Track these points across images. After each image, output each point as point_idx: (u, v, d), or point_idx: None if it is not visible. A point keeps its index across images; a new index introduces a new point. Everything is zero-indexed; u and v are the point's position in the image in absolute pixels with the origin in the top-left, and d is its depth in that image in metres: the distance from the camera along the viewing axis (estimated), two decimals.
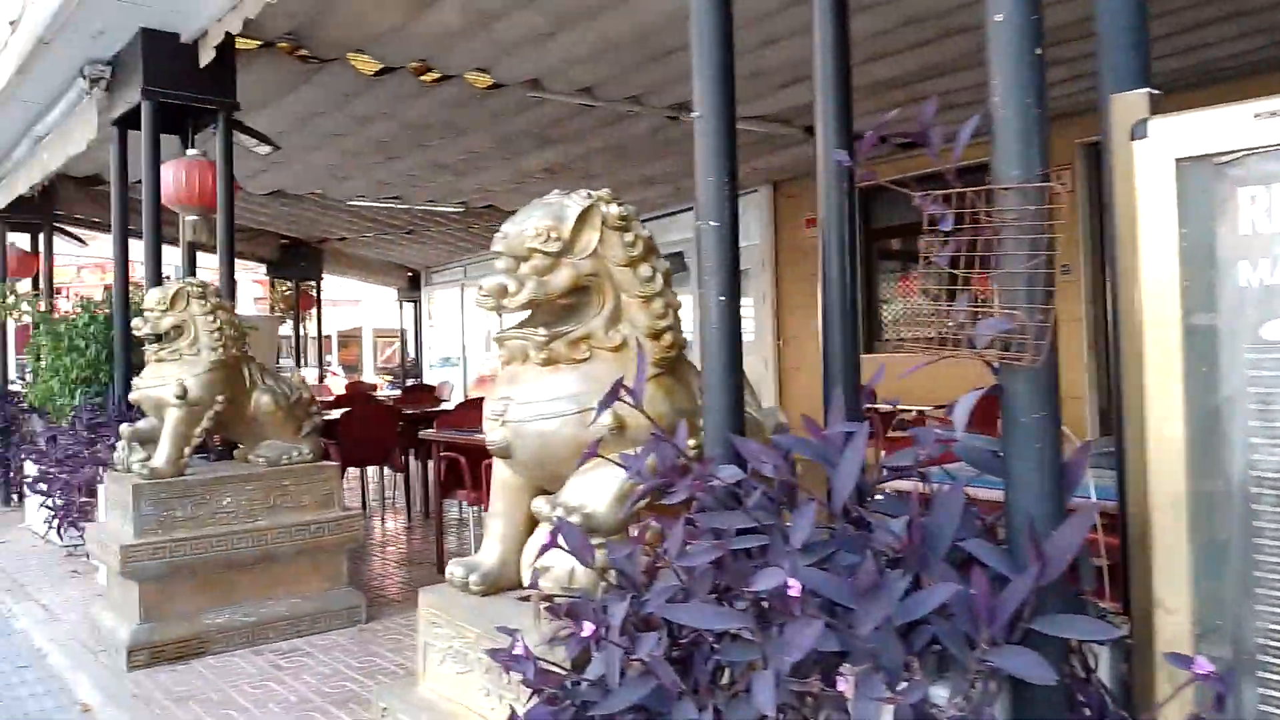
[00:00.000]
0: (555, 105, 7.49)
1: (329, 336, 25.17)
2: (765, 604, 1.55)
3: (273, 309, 14.62)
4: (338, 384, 17.16)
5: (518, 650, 1.88)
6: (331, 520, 4.82)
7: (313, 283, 14.56)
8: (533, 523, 2.42)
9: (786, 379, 11.48)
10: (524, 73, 6.60)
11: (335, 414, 7.31)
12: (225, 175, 5.39)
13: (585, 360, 2.29)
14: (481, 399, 9.28)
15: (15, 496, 8.82)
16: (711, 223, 2.09)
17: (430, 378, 17.36)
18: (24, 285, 9.70)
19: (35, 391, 6.03)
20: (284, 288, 14.65)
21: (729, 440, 2.00)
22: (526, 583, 2.15)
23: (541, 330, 2.26)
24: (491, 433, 2.35)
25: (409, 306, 18.41)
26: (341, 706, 3.82)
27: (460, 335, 17.47)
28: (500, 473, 2.52)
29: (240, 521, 4.62)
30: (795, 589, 1.34)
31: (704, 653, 1.67)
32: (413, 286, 18.13)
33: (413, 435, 7.77)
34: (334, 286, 19.79)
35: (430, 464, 8.38)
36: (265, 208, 11.72)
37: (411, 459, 8.05)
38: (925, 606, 1.44)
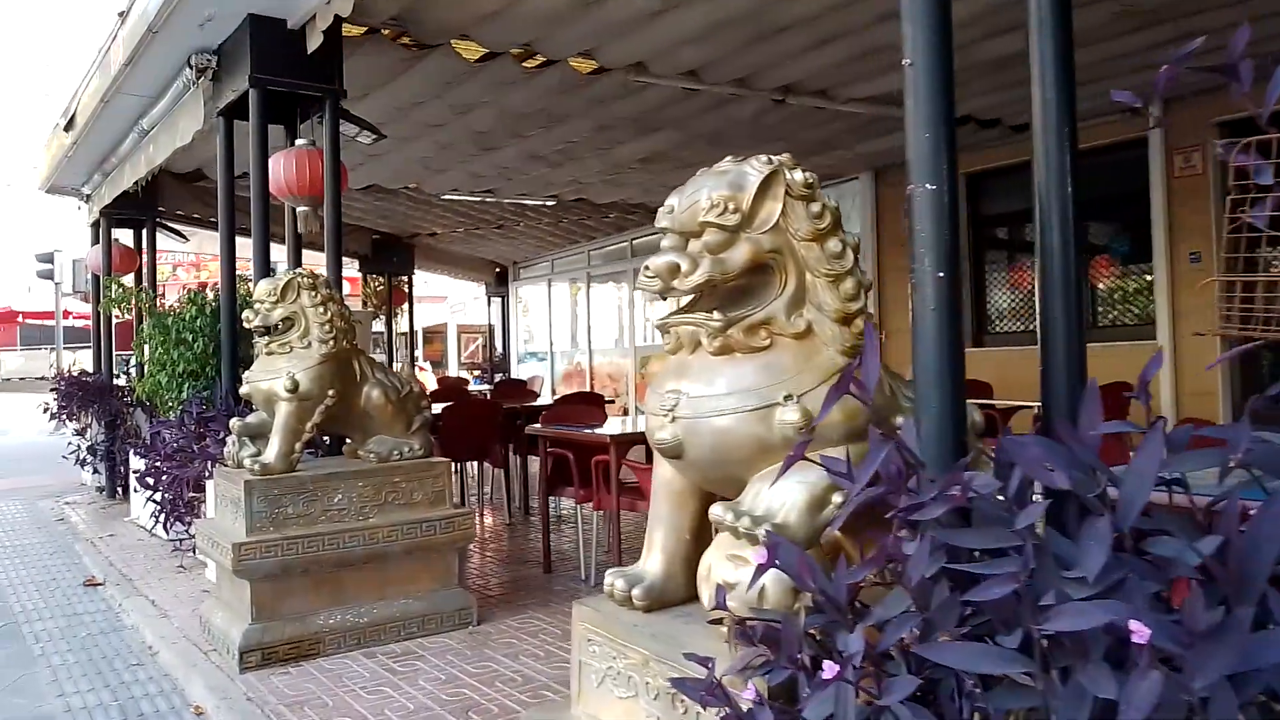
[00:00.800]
0: (658, 90, 7.24)
1: (416, 332, 25.38)
2: (1046, 642, 1.26)
3: (365, 304, 14.68)
4: (428, 379, 17.22)
5: (711, 681, 1.62)
6: (443, 518, 4.64)
7: (404, 278, 14.57)
8: (700, 530, 2.16)
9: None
10: (629, 55, 6.36)
11: (436, 409, 7.17)
12: (333, 164, 5.26)
13: (765, 348, 2.02)
14: (584, 394, 9.04)
15: (120, 490, 8.92)
16: (927, 185, 1.81)
17: (517, 373, 17.32)
18: (126, 281, 9.82)
19: (143, 386, 6.00)
20: (376, 283, 14.70)
21: (954, 441, 1.71)
22: (707, 601, 1.89)
23: (717, 315, 1.99)
24: (659, 430, 2.09)
25: (496, 301, 18.39)
26: (461, 716, 3.62)
27: (548, 330, 17.38)
28: (663, 474, 2.26)
29: (351, 519, 4.48)
30: (1141, 635, 1.05)
31: (950, 691, 1.39)
32: (500, 281, 18.11)
33: (511, 430, 7.61)
34: (419, 283, 19.92)
35: (529, 460, 8.23)
36: (359, 203, 11.72)
37: (510, 454, 7.88)
38: (1274, 652, 1.14)
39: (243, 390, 4.55)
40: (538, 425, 5.86)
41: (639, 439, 5.64)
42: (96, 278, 9.61)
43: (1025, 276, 10.29)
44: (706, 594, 1.89)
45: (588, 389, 15.89)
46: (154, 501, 6.17)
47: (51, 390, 8.94)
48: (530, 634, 4.58)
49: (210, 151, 8.45)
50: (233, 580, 4.39)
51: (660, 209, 2.14)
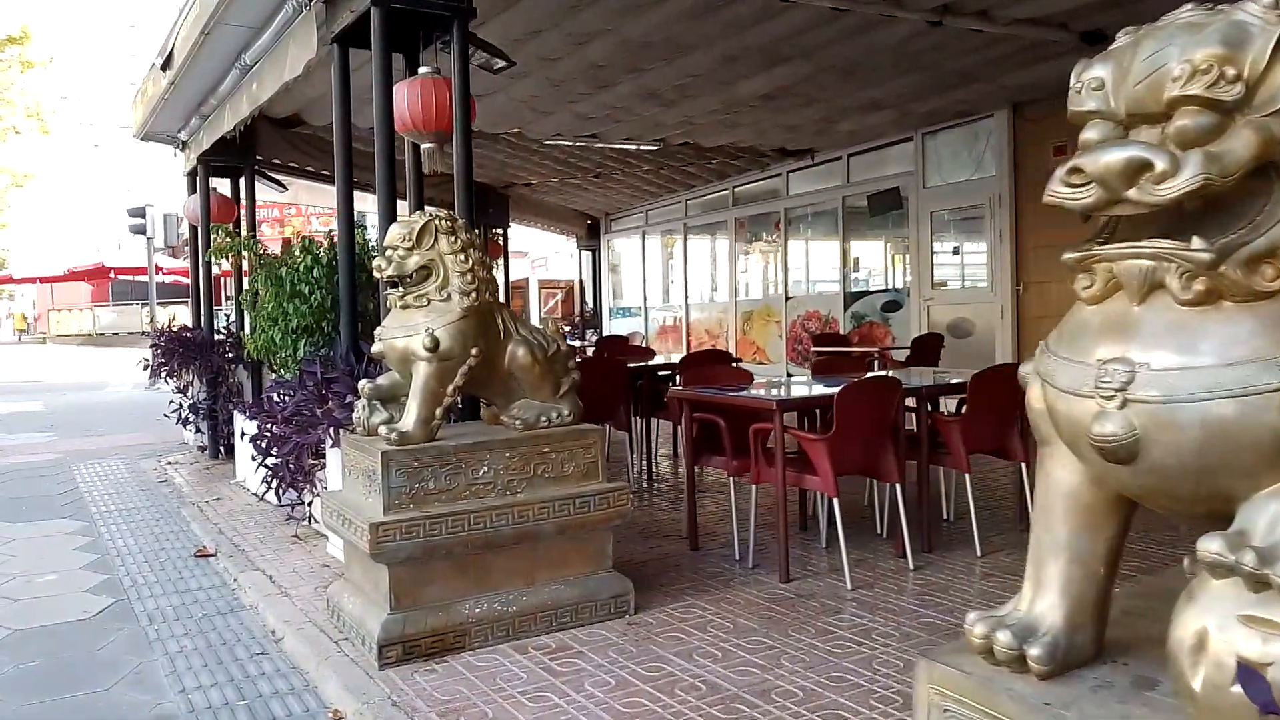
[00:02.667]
0: (801, 12, 6.51)
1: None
2: None
3: None
4: None
5: None
6: (596, 493, 4.08)
7: (499, 231, 14.04)
8: (1117, 561, 1.50)
9: (1028, 330, 10.20)
10: None
11: None
12: (462, 94, 4.66)
13: (1274, 294, 1.34)
14: (713, 352, 8.33)
15: (223, 449, 8.60)
16: None
17: (607, 329, 16.76)
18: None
19: (253, 342, 5.54)
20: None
21: None
22: (1200, 681, 1.24)
23: (1198, 242, 1.32)
24: (1101, 421, 1.42)
25: (586, 255, 17.82)
26: None
27: (641, 284, 16.76)
28: (1063, 480, 1.58)
29: (498, 495, 3.93)
30: None
31: None
32: (591, 234, 17.52)
33: (630, 392, 7.03)
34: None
35: (653, 424, 7.66)
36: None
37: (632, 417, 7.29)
38: None
39: (375, 348, 4.02)
40: (679, 387, 5.24)
41: (807, 405, 5.01)
42: (194, 228, 9.25)
43: None
44: (1200, 672, 1.23)
45: (684, 344, 15.27)
46: (266, 467, 5.74)
47: (152, 346, 8.63)
48: (696, 626, 4.01)
49: (310, 94, 7.98)
50: (366, 563, 3.88)
51: (1081, 81, 1.46)
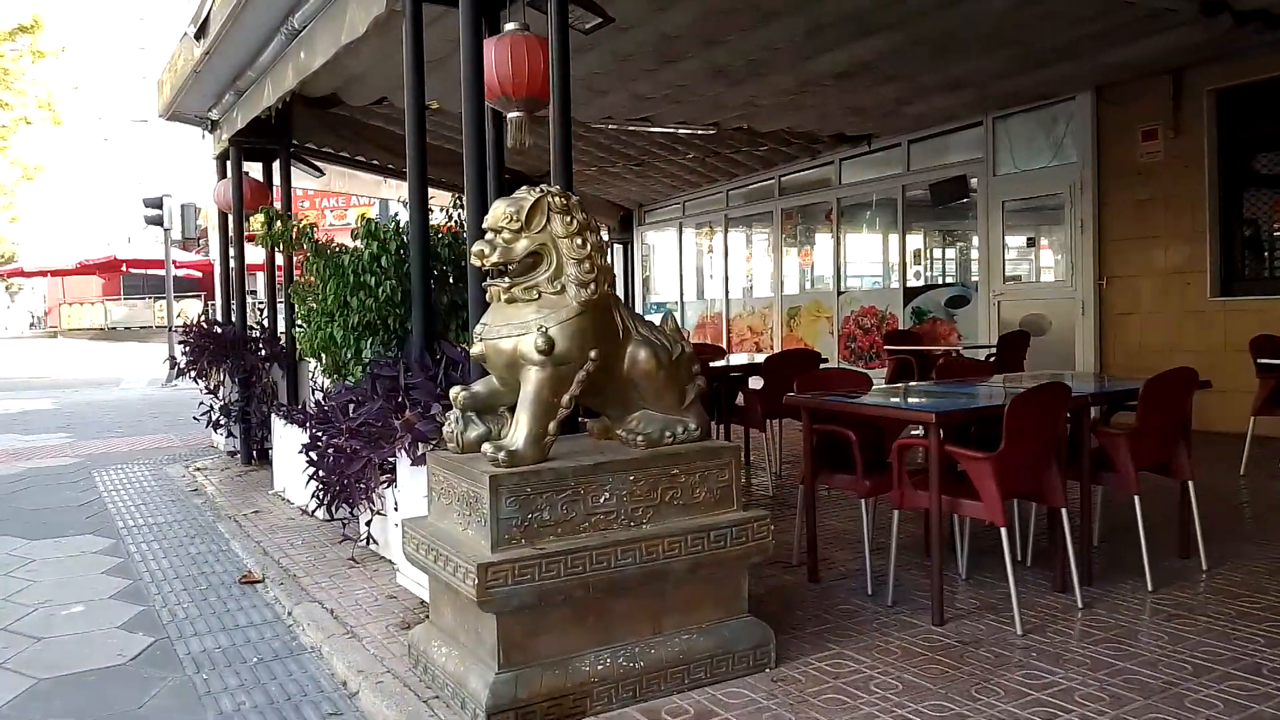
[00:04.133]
0: None
1: None
2: None
3: None
4: None
5: None
6: (733, 524, 3.41)
7: None
8: None
9: (1111, 327, 9.51)
10: None
11: None
12: (561, 53, 4.00)
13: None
14: (796, 352, 7.59)
15: (256, 454, 7.96)
16: None
17: None
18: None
19: (308, 341, 4.87)
20: None
21: None
22: None
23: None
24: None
25: (618, 249, 17.14)
26: None
27: (678, 277, 16.09)
28: None
29: (621, 527, 3.27)
30: None
31: None
32: (624, 227, 16.85)
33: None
34: None
35: (741, 432, 6.97)
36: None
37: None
38: None
39: (474, 350, 3.35)
40: (802, 395, 4.56)
41: (973, 417, 4.34)
42: (223, 216, 8.60)
43: None
44: None
45: (724, 342, 14.60)
46: (319, 480, 5.09)
47: (180, 342, 7.98)
48: (856, 685, 3.34)
49: (353, 68, 7.30)
50: (465, 607, 3.23)
51: None
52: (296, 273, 7.60)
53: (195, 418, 8.05)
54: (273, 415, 6.97)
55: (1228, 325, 8.60)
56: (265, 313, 8.27)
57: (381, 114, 9.26)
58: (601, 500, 3.24)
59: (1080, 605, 4.06)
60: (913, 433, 4.33)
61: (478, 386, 3.48)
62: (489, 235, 3.30)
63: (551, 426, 3.24)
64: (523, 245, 3.25)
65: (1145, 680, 3.31)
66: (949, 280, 11.62)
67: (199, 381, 8.04)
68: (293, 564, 5.09)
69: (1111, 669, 3.42)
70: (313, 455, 5.07)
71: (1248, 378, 7.03)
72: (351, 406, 4.18)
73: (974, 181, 10.78)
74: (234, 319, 8.19)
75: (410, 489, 4.15)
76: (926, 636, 3.79)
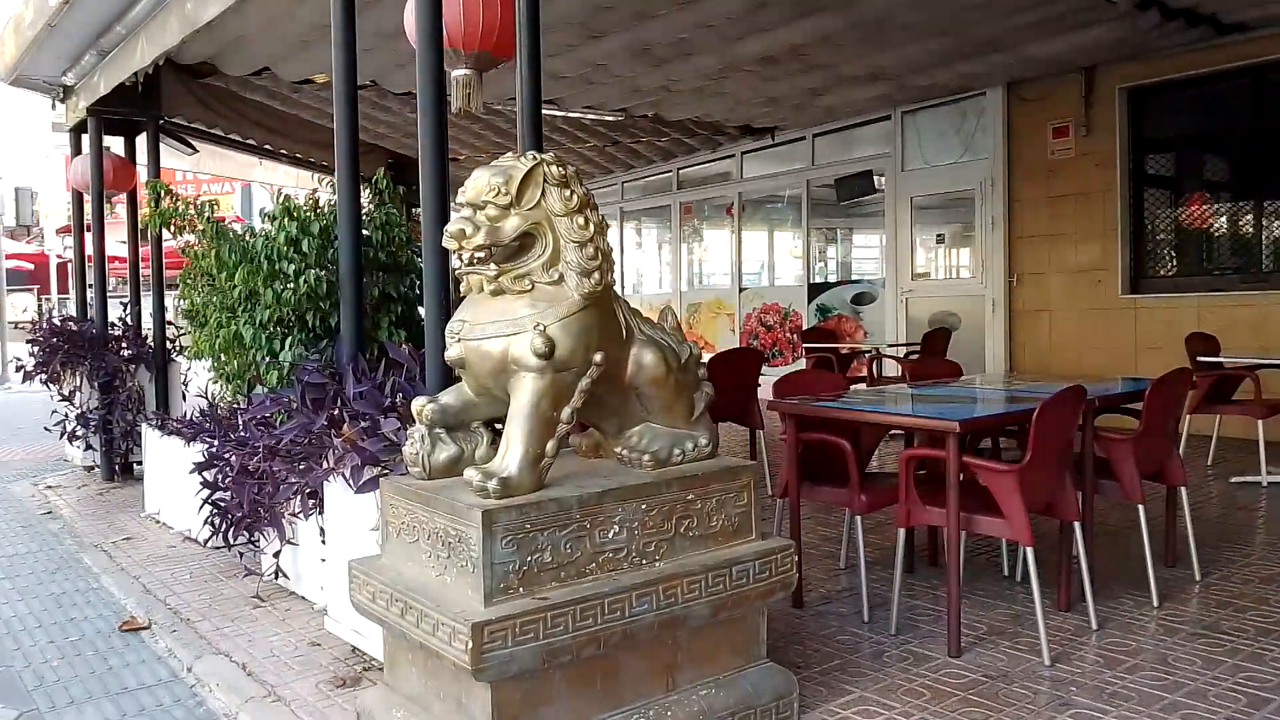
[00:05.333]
0: None
1: None
2: None
3: None
4: None
5: None
6: (756, 556, 2.90)
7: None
8: None
9: (1020, 324, 9.47)
10: None
11: None
12: (530, 4, 3.39)
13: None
14: (744, 351, 7.12)
15: (119, 469, 6.98)
16: None
17: None
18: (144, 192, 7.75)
19: (201, 340, 4.08)
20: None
21: None
22: None
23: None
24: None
25: None
26: None
27: None
28: None
29: (632, 566, 2.71)
30: None
31: None
32: None
33: None
34: None
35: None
36: (383, 115, 9.70)
37: None
38: None
39: (450, 353, 2.73)
40: (788, 400, 4.10)
41: (996, 425, 3.94)
42: (78, 196, 7.54)
43: (1198, 211, 8.74)
44: None
45: None
46: (216, 505, 4.32)
47: (28, 341, 6.91)
48: None
49: (235, 30, 6.44)
50: (439, 672, 2.61)
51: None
52: (169, 259, 6.69)
53: (47, 428, 7.00)
54: (143, 425, 6.06)
55: (1138, 323, 8.65)
56: (129, 308, 7.28)
57: (261, 87, 8.35)
58: (610, 535, 2.68)
59: (1094, 626, 3.74)
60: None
61: (447, 398, 2.85)
62: (466, 212, 2.69)
63: (550, 446, 2.65)
64: (513, 224, 2.65)
65: (1205, 717, 2.98)
66: (854, 277, 11.45)
67: (51, 386, 6.99)
68: (184, 604, 4.31)
69: (1163, 703, 3.07)
70: (207, 476, 4.31)
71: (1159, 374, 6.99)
72: (271, 420, 3.46)
73: (881, 178, 10.61)
74: (93, 315, 7.16)
75: (343, 520, 3.47)
76: (948, 671, 3.38)
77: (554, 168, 2.72)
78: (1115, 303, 8.79)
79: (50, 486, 6.98)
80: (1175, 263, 8.80)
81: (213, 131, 8.58)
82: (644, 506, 2.75)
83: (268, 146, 9.39)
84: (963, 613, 3.93)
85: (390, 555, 2.89)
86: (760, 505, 3.05)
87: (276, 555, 4.22)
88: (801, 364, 11.03)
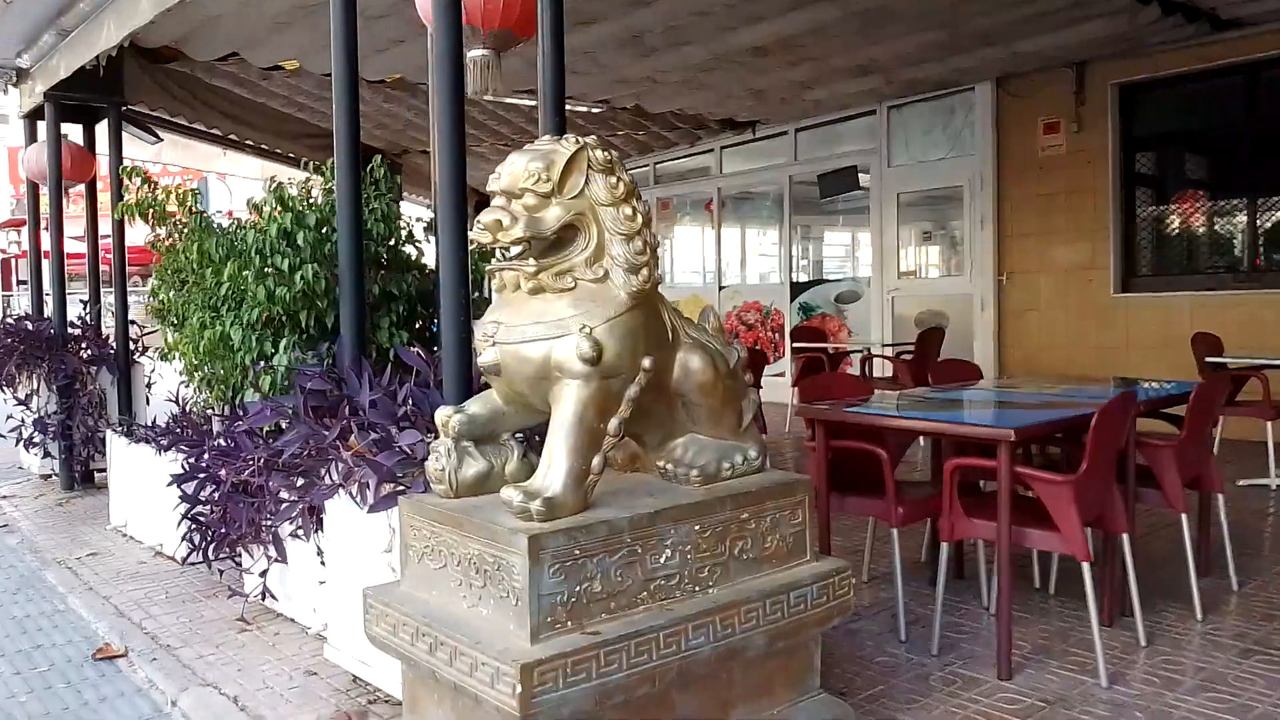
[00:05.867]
0: None
1: None
2: None
3: None
4: None
5: None
6: (814, 579, 2.66)
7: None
8: None
9: (1010, 323, 9.33)
10: None
11: None
12: None
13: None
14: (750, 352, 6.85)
15: (78, 477, 6.57)
16: None
17: None
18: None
19: (184, 343, 3.73)
20: None
21: None
22: None
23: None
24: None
25: None
26: None
27: None
28: None
29: (684, 594, 2.45)
30: None
31: None
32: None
33: None
34: None
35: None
36: (360, 104, 9.31)
37: None
38: None
39: (484, 358, 2.44)
40: (819, 405, 3.85)
41: (1049, 432, 3.73)
42: (33, 187, 7.10)
43: (1190, 209, 8.66)
44: None
45: None
46: (196, 521, 3.99)
47: None
48: None
49: (205, 11, 6.07)
50: (470, 713, 2.33)
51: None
52: (132, 254, 6.31)
53: (2, 435, 6.57)
54: (108, 432, 5.67)
55: (1130, 322, 8.54)
56: (88, 306, 6.86)
57: (228, 73, 7.96)
58: (662, 560, 2.41)
59: (1143, 643, 3.54)
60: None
61: (474, 407, 2.57)
62: (500, 201, 2.41)
63: (596, 461, 2.38)
64: (554, 215, 2.38)
65: None
66: (838, 275, 11.26)
67: (5, 389, 6.56)
68: (162, 629, 3.97)
69: None
70: (186, 489, 3.97)
71: (1153, 375, 6.85)
72: (257, 430, 3.14)
73: (865, 174, 10.43)
74: (50, 314, 6.73)
75: (347, 540, 3.16)
76: (1002, 696, 3.15)
77: (598, 152, 2.45)
78: (1107, 301, 8.68)
79: (4, 497, 6.55)
80: (1167, 261, 8.71)
81: (175, 121, 8.16)
82: (697, 528, 2.48)
83: (233, 137, 8.98)
84: (992, 627, 3.73)
85: (411, 582, 2.59)
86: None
87: (264, 575, 3.89)
88: (785, 364, 10.85)
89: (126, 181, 4.00)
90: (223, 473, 3.34)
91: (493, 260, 2.50)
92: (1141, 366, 7.92)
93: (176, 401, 5.29)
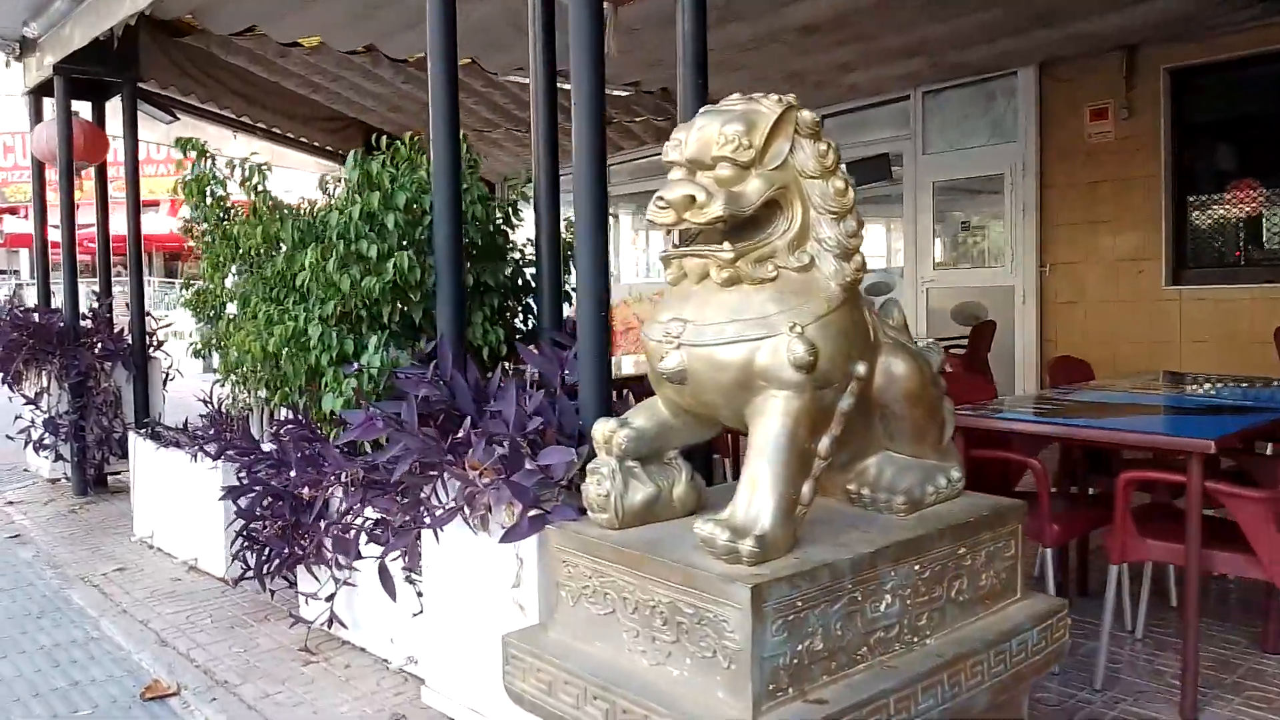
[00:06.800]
0: None
1: None
2: None
3: None
4: None
5: None
6: (1034, 622, 2.26)
7: None
8: None
9: (1053, 315, 8.98)
10: None
11: None
12: None
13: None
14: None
15: (90, 481, 6.10)
16: None
17: None
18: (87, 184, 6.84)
19: (245, 338, 3.26)
20: None
21: None
22: None
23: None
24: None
25: None
26: None
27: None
28: None
29: (904, 646, 2.05)
30: None
31: None
32: None
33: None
34: None
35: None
36: (376, 84, 8.86)
37: None
38: None
39: (667, 362, 2.02)
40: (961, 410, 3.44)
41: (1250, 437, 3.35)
42: (39, 166, 6.60)
43: (1247, 198, 8.34)
44: None
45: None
46: (252, 538, 3.56)
47: None
48: None
49: None
50: None
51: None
52: (153, 240, 5.82)
53: (10, 436, 6.08)
54: (131, 434, 5.21)
55: (1184, 315, 8.21)
56: (100, 298, 6.38)
57: (244, 50, 7.46)
58: (882, 608, 2.01)
59: None
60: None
61: (640, 420, 2.15)
62: (677, 174, 2.00)
63: (806, 490, 1.97)
64: (755, 189, 1.96)
65: None
66: (870, 266, 10.87)
67: (12, 387, 6.07)
68: (214, 660, 3.53)
69: None
70: (241, 503, 3.54)
71: (1206, 371, 6.52)
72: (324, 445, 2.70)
73: (899, 160, 10.05)
74: (60, 305, 6.24)
75: (457, 569, 2.73)
76: None
77: (805, 113, 2.04)
78: (1158, 294, 8.33)
79: (12, 503, 6.07)
80: (1223, 253, 8.38)
81: (186, 101, 7.67)
82: (916, 568, 2.08)
83: (245, 119, 8.49)
84: (1140, 653, 3.38)
85: (563, 629, 2.17)
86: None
87: (330, 599, 3.46)
88: None
89: (181, 155, 3.54)
90: (305, 490, 2.90)
91: (670, 245, 2.08)
92: (1196, 362, 7.60)
93: (207, 402, 4.85)
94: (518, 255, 3.50)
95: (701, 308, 2.00)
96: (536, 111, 3.21)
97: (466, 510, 2.50)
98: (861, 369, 2.03)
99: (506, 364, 3.11)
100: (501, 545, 2.43)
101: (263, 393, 3.45)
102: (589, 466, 2.14)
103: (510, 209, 3.47)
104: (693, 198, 1.92)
